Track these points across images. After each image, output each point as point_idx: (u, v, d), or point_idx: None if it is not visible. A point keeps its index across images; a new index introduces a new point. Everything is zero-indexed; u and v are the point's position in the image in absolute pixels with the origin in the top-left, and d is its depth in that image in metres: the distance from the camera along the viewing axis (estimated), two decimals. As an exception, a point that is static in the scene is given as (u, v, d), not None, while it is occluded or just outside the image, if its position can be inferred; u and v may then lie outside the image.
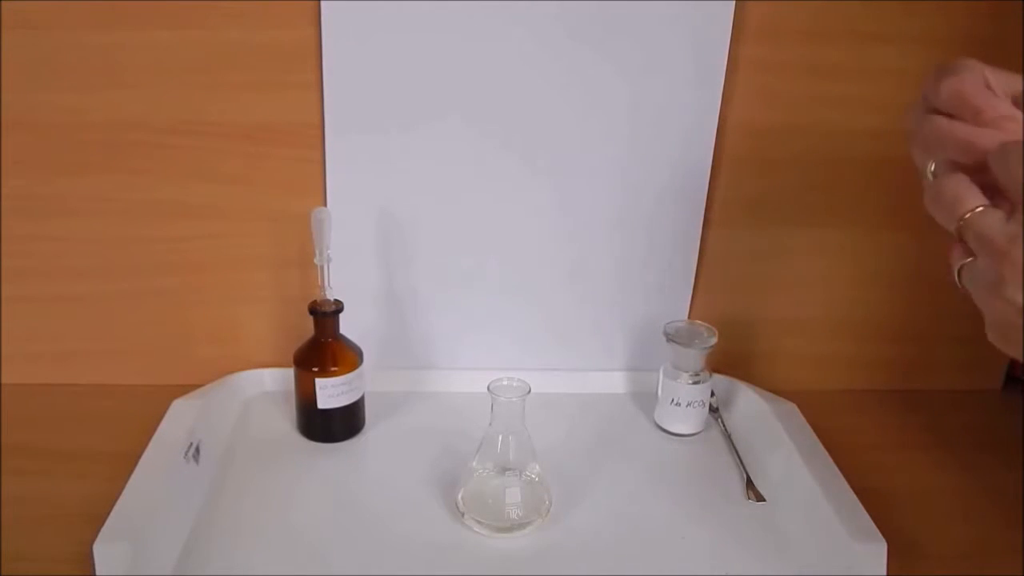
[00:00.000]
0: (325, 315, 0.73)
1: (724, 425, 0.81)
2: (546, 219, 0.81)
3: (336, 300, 0.73)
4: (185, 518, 0.65)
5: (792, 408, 0.79)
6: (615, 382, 0.86)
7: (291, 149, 0.77)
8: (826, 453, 0.71)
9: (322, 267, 0.71)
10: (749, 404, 0.82)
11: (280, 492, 0.69)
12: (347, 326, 0.75)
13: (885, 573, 0.60)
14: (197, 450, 0.70)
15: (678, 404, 0.78)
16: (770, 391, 0.83)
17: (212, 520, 0.66)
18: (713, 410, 0.82)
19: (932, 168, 0.46)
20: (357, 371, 0.74)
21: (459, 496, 0.67)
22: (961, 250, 0.45)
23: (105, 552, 0.57)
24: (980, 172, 0.43)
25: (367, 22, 0.72)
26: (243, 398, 0.82)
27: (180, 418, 0.73)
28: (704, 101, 0.77)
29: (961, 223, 0.43)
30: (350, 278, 0.75)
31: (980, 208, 0.42)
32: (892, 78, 0.78)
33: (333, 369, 0.73)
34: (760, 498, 0.71)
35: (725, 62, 0.75)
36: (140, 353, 0.84)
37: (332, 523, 0.66)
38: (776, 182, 0.81)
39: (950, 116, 0.45)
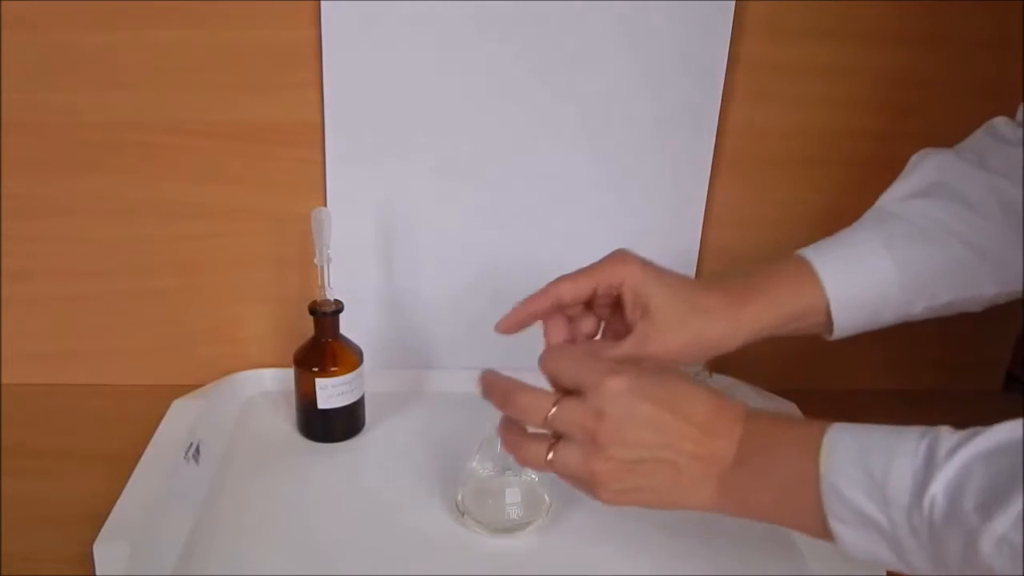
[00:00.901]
0: (325, 315, 0.73)
1: (724, 425, 0.80)
2: (546, 219, 0.81)
3: (336, 300, 0.73)
4: (185, 518, 0.65)
5: (792, 408, 0.79)
6: (615, 382, 0.86)
7: (291, 149, 0.77)
8: (826, 453, 0.71)
9: (322, 267, 0.71)
10: (749, 404, 0.81)
11: (280, 492, 0.69)
12: (347, 326, 0.75)
13: (885, 573, 0.60)
14: (197, 450, 0.70)
15: (678, 404, 0.78)
16: (770, 391, 0.83)
17: (212, 520, 0.66)
18: (713, 410, 0.82)
19: None
20: (357, 371, 0.74)
21: (459, 496, 0.67)
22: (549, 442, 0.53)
23: (105, 552, 0.57)
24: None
25: (367, 22, 0.73)
26: (243, 398, 0.82)
27: (180, 418, 0.73)
28: (704, 101, 0.77)
29: (548, 419, 0.52)
30: (350, 278, 0.75)
31: (553, 408, 0.52)
32: (892, 78, 0.78)
33: (333, 369, 0.73)
34: (760, 498, 0.71)
35: (725, 62, 0.75)
36: (140, 353, 0.84)
37: (332, 523, 0.66)
38: (776, 182, 0.81)
39: None
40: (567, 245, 0.82)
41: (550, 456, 0.53)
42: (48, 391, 0.82)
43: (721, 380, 0.84)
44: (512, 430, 0.56)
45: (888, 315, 0.61)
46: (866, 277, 0.60)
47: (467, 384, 0.83)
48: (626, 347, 0.57)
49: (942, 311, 0.62)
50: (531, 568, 0.62)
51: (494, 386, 0.56)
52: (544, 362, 0.56)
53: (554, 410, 0.52)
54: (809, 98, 0.78)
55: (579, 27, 0.74)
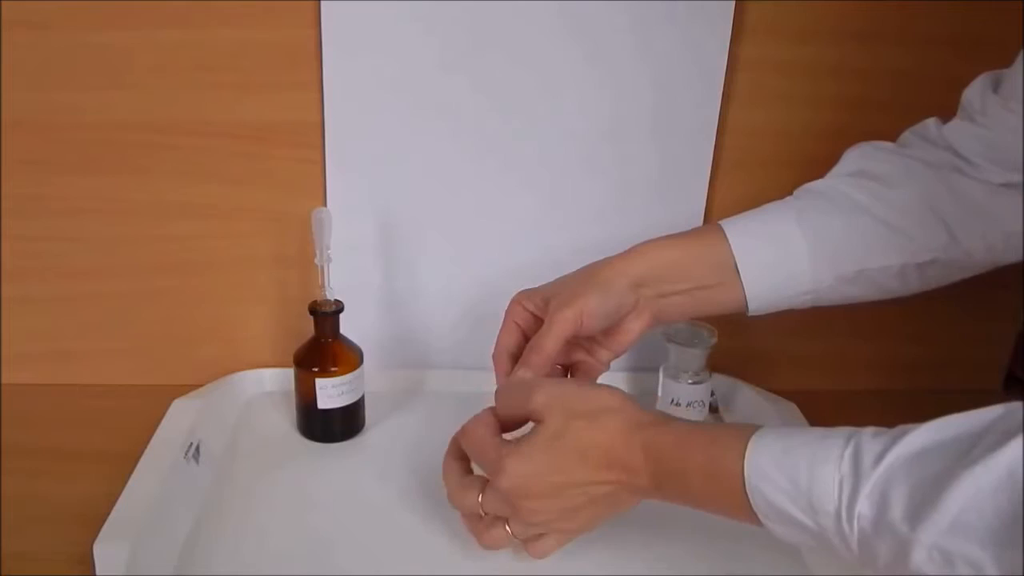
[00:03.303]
0: (325, 315, 0.73)
1: (724, 425, 0.81)
2: (546, 219, 0.81)
3: (336, 300, 0.73)
4: (185, 518, 0.65)
5: (792, 408, 0.79)
6: (615, 382, 0.85)
7: (291, 149, 0.77)
8: (826, 453, 0.71)
9: (322, 267, 0.71)
10: (749, 404, 0.82)
11: (280, 492, 0.69)
12: (347, 326, 0.75)
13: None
14: (197, 450, 0.70)
15: (678, 404, 0.78)
16: (770, 391, 0.83)
17: (212, 520, 0.66)
18: (713, 410, 0.82)
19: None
20: (357, 371, 0.74)
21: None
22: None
23: (105, 552, 0.57)
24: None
25: (367, 22, 0.73)
26: (243, 398, 0.82)
27: (180, 418, 0.73)
28: (704, 101, 0.77)
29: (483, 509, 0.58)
30: (350, 278, 0.75)
31: (479, 496, 0.57)
32: (892, 78, 0.78)
33: (333, 369, 0.73)
34: (760, 498, 0.71)
35: (725, 62, 0.75)
36: (140, 353, 0.84)
37: (332, 523, 0.66)
38: (776, 182, 0.81)
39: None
40: (567, 245, 0.82)
41: (509, 530, 0.58)
42: (48, 391, 0.82)
43: (721, 380, 0.84)
44: (472, 521, 0.61)
45: (799, 284, 0.63)
46: (771, 236, 0.63)
47: (467, 384, 0.84)
48: (542, 333, 0.61)
49: (854, 287, 0.64)
50: (534, 569, 0.62)
51: (446, 487, 0.61)
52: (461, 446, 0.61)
53: (481, 499, 0.57)
54: (809, 98, 0.78)
55: (579, 27, 0.74)
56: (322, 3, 0.72)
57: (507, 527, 0.58)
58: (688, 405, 0.78)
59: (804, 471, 0.46)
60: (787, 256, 0.63)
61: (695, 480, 0.51)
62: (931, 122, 0.67)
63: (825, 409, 0.80)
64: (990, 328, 0.88)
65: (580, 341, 0.65)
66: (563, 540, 0.60)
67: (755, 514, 0.48)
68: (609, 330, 0.64)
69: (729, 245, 0.63)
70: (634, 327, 0.64)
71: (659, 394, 0.79)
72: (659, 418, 0.55)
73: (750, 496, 0.48)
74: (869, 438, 0.45)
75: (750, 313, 0.65)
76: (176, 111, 0.75)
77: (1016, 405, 0.42)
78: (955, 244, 0.63)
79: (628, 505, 0.56)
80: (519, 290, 0.66)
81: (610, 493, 0.54)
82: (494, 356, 0.65)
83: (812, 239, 0.63)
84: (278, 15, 0.72)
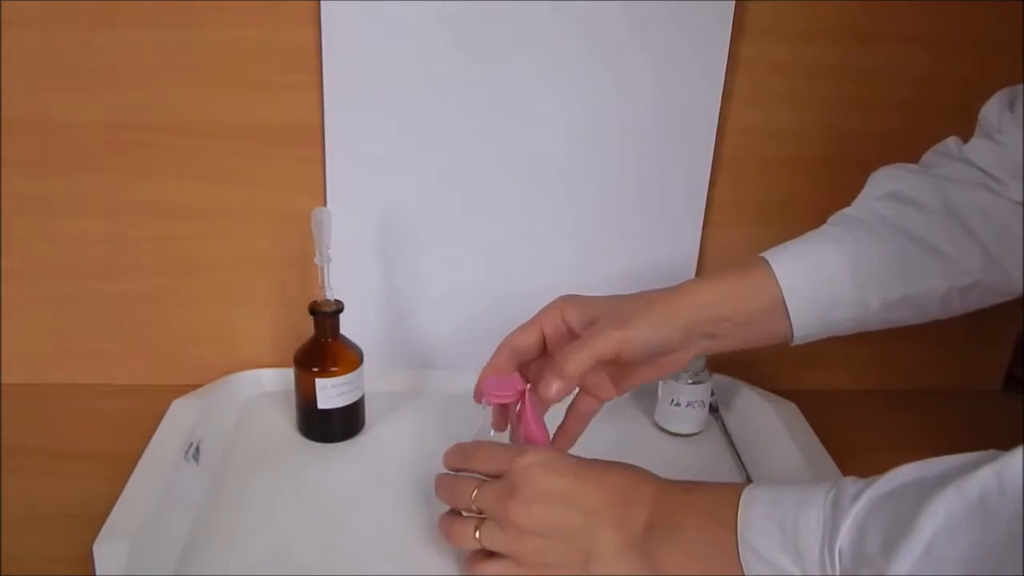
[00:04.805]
0: (325, 315, 0.73)
1: (724, 425, 0.81)
2: (546, 219, 0.81)
3: (336, 300, 0.73)
4: (185, 518, 0.65)
5: (792, 408, 0.79)
6: (615, 382, 0.86)
7: (291, 149, 0.77)
8: (826, 453, 0.71)
9: (322, 267, 0.71)
10: (749, 404, 0.82)
11: (280, 492, 0.69)
12: (347, 326, 0.75)
13: None
14: (197, 450, 0.70)
15: (678, 404, 0.78)
16: (770, 391, 0.83)
17: (212, 520, 0.66)
18: (713, 410, 0.82)
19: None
20: (357, 371, 0.74)
21: None
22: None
23: (105, 552, 0.57)
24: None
25: (367, 22, 0.73)
26: (243, 398, 0.82)
27: (180, 418, 0.73)
28: (704, 101, 0.77)
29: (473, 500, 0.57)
30: (350, 278, 0.75)
31: (475, 490, 0.57)
32: (892, 78, 0.78)
33: (333, 369, 0.73)
34: (760, 498, 0.71)
35: (725, 62, 0.75)
36: (140, 353, 0.84)
37: (332, 523, 0.66)
38: (776, 182, 0.81)
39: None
40: (566, 245, 0.82)
41: (477, 535, 0.56)
42: (48, 391, 0.82)
43: (721, 380, 0.84)
44: (445, 516, 0.60)
45: (845, 311, 0.62)
46: (817, 266, 0.62)
47: (467, 384, 0.83)
48: (579, 345, 0.59)
49: (898, 312, 0.63)
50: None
51: (439, 482, 0.61)
52: (455, 459, 0.61)
53: (476, 492, 0.56)
54: (809, 98, 0.78)
55: (579, 28, 0.74)
56: (322, 3, 0.72)
57: (477, 532, 0.57)
58: (688, 405, 0.78)
59: (791, 516, 0.46)
60: (833, 285, 0.62)
61: (691, 535, 0.51)
62: (951, 141, 0.66)
63: (825, 409, 0.80)
64: (990, 328, 0.88)
65: (604, 365, 0.63)
66: None
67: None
68: (644, 361, 0.63)
69: (775, 278, 0.61)
70: (670, 367, 0.64)
71: (659, 394, 0.79)
72: (674, 483, 0.55)
73: (740, 552, 0.48)
74: (851, 481, 0.46)
75: (794, 343, 0.64)
76: (176, 111, 0.75)
77: (996, 452, 0.43)
78: (993, 264, 0.62)
79: (606, 568, 0.54)
80: (564, 294, 0.64)
81: (606, 526, 0.53)
82: (500, 345, 0.64)
83: (855, 266, 0.61)
84: (278, 15, 0.72)
